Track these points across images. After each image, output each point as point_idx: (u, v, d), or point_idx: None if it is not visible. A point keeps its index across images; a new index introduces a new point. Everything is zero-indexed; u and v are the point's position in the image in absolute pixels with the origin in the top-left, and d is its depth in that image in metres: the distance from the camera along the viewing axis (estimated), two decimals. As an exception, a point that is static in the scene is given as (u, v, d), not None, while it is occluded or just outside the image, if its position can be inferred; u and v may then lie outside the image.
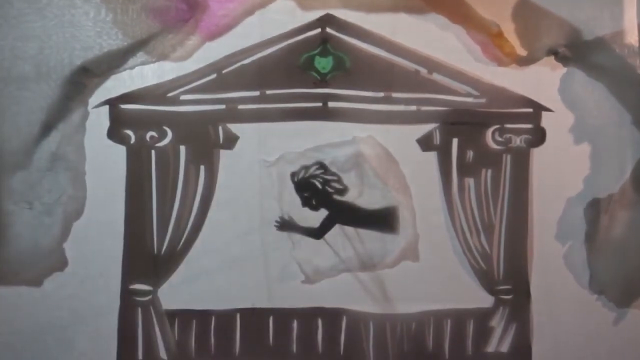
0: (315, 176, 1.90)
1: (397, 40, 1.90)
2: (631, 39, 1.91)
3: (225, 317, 1.91)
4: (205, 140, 1.90)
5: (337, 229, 1.92)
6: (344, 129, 1.90)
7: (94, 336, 1.89)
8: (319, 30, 1.89)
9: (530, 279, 1.95)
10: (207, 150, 1.90)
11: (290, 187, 1.91)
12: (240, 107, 1.89)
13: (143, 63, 1.84)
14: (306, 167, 1.90)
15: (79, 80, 1.81)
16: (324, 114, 1.90)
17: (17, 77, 1.78)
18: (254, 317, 1.91)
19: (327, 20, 1.89)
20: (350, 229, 1.92)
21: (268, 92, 1.88)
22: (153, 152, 1.89)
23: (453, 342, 1.94)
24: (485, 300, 1.94)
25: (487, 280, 1.94)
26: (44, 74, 1.78)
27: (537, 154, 1.95)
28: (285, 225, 1.91)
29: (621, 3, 1.91)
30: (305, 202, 1.91)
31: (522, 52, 1.90)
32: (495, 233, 1.94)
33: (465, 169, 1.93)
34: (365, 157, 1.90)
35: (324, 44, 1.89)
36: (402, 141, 1.92)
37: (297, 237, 1.92)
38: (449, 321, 1.93)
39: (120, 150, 1.88)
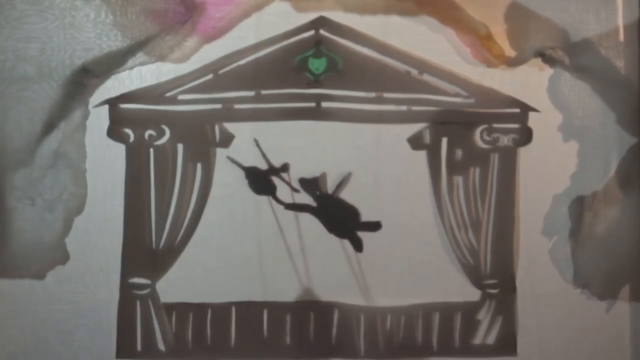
0: None
1: (389, 42, 1.92)
2: (616, 40, 1.93)
3: (221, 310, 1.92)
4: (202, 138, 1.91)
5: None
6: (336, 128, 1.92)
7: (94, 328, 1.90)
8: (312, 32, 1.91)
9: (516, 273, 1.96)
10: (204, 149, 1.92)
11: None
12: (236, 106, 1.91)
13: (142, 64, 1.86)
14: None
15: (80, 80, 1.83)
16: (318, 114, 1.92)
17: (20, 78, 1.80)
18: (249, 310, 1.92)
19: (320, 22, 1.91)
20: None
21: (263, 92, 1.90)
22: (151, 150, 1.90)
23: (441, 334, 1.95)
24: (472, 294, 1.96)
25: (474, 275, 1.95)
26: (45, 75, 1.80)
27: (524, 152, 1.96)
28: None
29: (607, 6, 1.93)
30: None
31: (510, 53, 1.91)
32: (482, 229, 1.95)
33: (454, 167, 1.95)
34: None
35: (318, 45, 1.91)
36: (393, 140, 1.93)
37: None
38: (437, 314, 1.95)
39: (120, 149, 1.90)
